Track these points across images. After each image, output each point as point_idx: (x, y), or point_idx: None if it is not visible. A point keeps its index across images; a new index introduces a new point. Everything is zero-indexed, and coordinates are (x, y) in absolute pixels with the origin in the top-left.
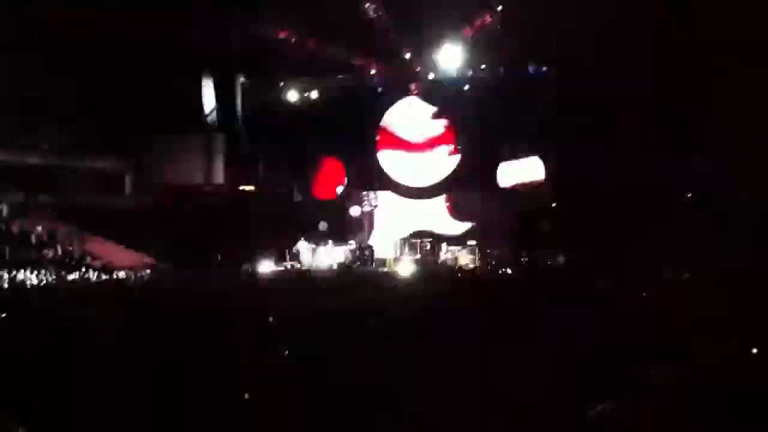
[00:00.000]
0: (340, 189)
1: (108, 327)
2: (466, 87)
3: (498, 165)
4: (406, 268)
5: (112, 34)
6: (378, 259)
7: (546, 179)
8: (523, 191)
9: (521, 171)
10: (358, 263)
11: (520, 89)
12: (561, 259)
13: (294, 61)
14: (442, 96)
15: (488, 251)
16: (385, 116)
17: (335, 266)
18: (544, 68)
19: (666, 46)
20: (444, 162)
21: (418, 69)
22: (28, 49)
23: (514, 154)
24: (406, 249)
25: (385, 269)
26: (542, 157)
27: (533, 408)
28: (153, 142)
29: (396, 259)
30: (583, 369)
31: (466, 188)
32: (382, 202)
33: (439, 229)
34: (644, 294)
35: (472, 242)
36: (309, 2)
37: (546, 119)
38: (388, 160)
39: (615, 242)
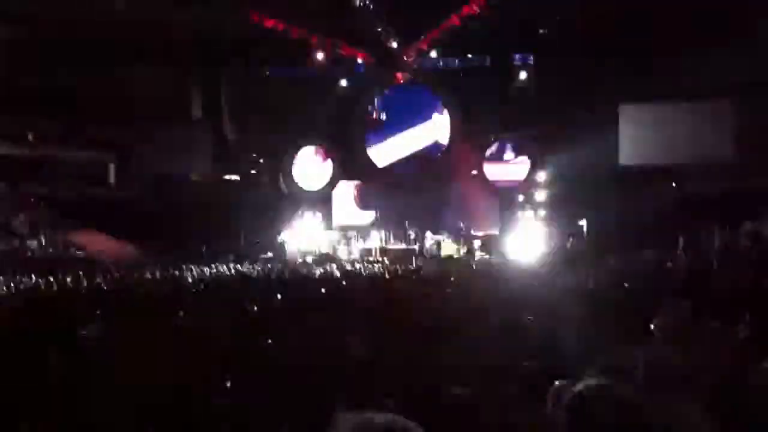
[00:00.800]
0: (325, 178)
1: None
2: (453, 76)
3: (483, 154)
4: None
5: (96, 24)
6: (364, 249)
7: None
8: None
9: (508, 171)
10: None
11: (506, 78)
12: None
13: (279, 50)
14: (429, 85)
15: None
16: (372, 104)
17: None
18: (531, 57)
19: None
20: (432, 152)
21: (405, 58)
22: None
23: (501, 149)
24: (391, 238)
25: (371, 259)
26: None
27: None
28: (137, 131)
29: (382, 249)
30: None
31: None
32: (366, 191)
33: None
34: None
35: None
36: None
37: (531, 109)
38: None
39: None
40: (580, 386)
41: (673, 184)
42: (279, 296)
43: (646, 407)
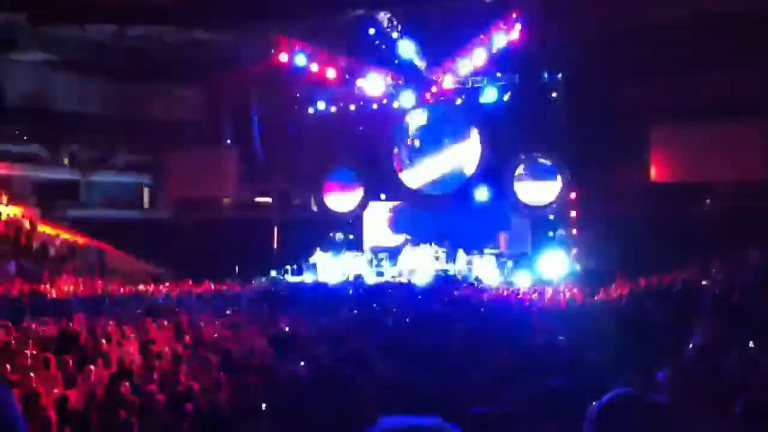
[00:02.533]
0: (356, 200)
1: None
2: (483, 96)
3: (513, 173)
4: (422, 276)
5: (131, 53)
6: (394, 268)
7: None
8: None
9: (539, 190)
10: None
11: (536, 98)
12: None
13: (310, 72)
14: (459, 105)
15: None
16: (402, 126)
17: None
18: (560, 75)
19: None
20: (462, 171)
21: (434, 78)
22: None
23: (533, 168)
24: (422, 257)
25: (401, 278)
26: (557, 165)
27: None
28: (170, 155)
29: (413, 269)
30: None
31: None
32: (398, 211)
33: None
34: None
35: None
36: (324, 14)
37: (562, 128)
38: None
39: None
40: (609, 395)
41: (708, 201)
42: None
43: (671, 413)
